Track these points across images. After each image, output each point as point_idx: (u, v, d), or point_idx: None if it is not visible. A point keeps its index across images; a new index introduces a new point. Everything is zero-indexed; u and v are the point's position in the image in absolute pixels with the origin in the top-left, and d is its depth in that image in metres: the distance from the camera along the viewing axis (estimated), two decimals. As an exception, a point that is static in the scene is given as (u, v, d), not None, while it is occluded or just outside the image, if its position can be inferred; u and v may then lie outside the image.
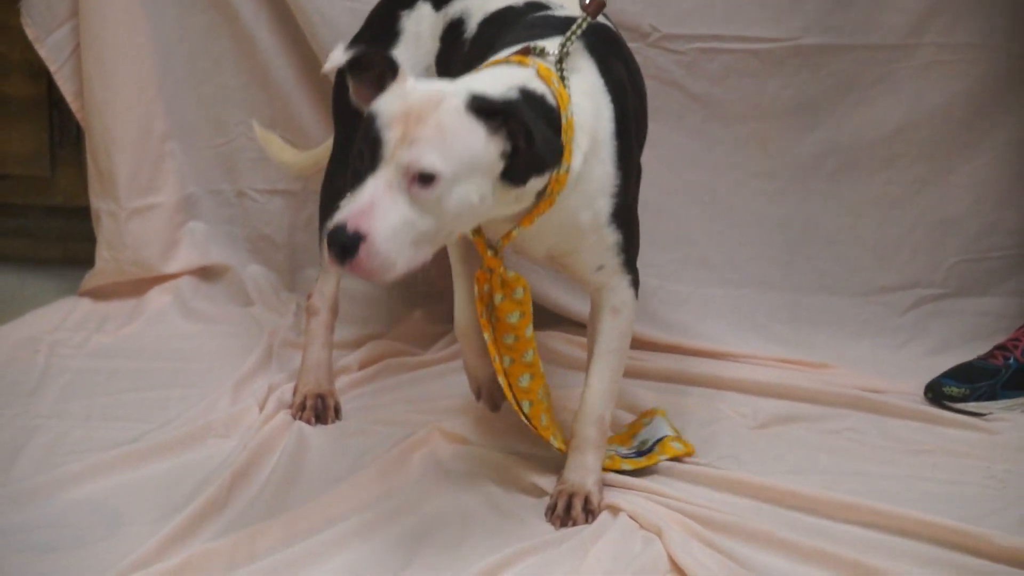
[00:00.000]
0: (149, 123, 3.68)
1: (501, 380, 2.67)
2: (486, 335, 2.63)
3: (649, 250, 3.47)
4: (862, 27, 3.42)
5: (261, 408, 3.07)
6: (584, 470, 2.70)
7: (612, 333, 2.69)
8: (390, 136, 2.30)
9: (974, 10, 3.38)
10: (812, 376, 3.34)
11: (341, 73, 3.13)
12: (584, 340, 3.13)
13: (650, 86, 3.40)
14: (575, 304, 3.45)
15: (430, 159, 2.28)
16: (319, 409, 3.05)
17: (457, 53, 2.88)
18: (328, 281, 3.15)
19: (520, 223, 2.49)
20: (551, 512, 2.66)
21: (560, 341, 3.43)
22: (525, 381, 2.66)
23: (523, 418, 2.70)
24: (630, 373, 3.25)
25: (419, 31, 2.98)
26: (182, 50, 3.69)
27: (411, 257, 2.30)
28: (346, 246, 2.24)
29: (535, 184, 2.43)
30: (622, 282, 2.67)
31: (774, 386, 3.25)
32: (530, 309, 2.61)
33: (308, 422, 3.03)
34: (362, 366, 3.34)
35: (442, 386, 3.23)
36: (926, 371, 3.29)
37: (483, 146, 2.33)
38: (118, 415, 3.06)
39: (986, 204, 3.51)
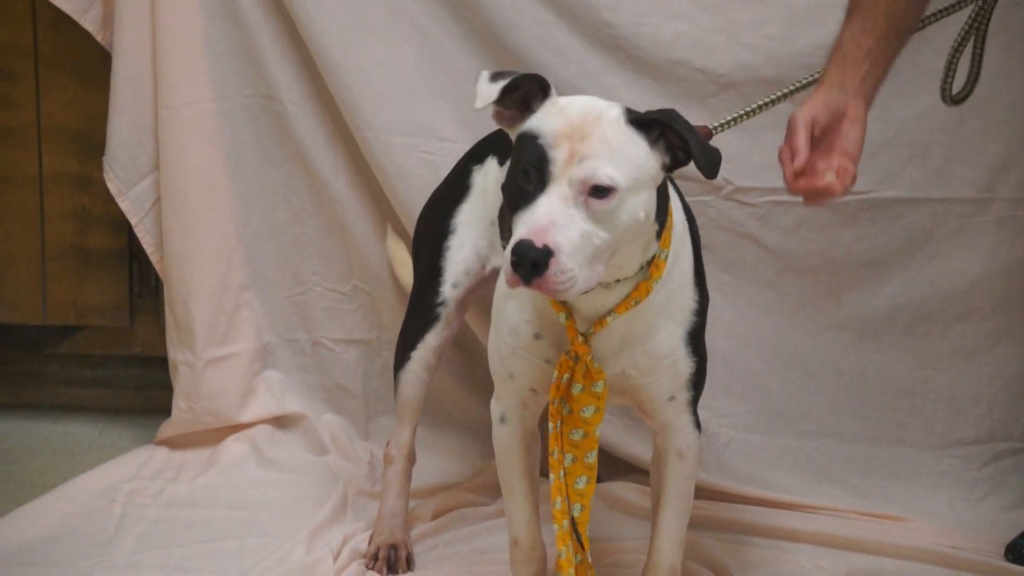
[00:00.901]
0: (227, 274, 3.72)
1: (553, 478, 2.56)
2: (551, 425, 2.54)
3: (724, 401, 3.50)
4: (936, 181, 3.43)
5: (335, 558, 3.06)
6: None
7: (679, 479, 2.66)
8: (557, 155, 2.30)
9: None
10: (891, 530, 3.29)
11: (423, 219, 3.18)
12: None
13: (724, 238, 3.44)
14: (647, 453, 3.44)
15: (607, 171, 2.28)
16: (391, 560, 3.04)
17: None
18: (404, 430, 3.16)
19: (616, 310, 2.46)
20: None
21: (631, 491, 3.40)
22: (582, 484, 2.57)
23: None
24: (705, 525, 3.24)
25: (486, 185, 3.04)
26: (261, 202, 3.74)
27: (589, 274, 2.28)
28: (536, 262, 2.23)
29: (653, 247, 2.44)
30: (688, 423, 2.64)
31: (853, 539, 3.21)
32: (604, 406, 2.54)
33: (380, 572, 3.02)
34: (435, 516, 3.32)
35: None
36: (1005, 526, 3.26)
37: (647, 157, 2.36)
38: (193, 566, 3.06)
39: (1064, 357, 3.49)
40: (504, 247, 2.35)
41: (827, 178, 2.52)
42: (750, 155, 3.45)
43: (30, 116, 3.94)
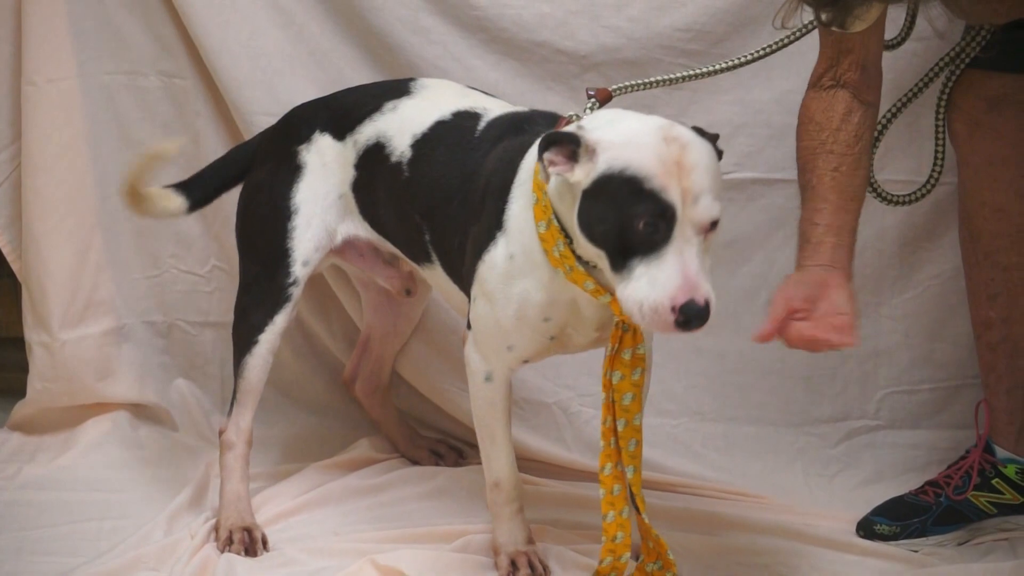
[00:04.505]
0: (85, 254, 3.67)
1: (603, 445, 2.68)
2: (604, 395, 2.67)
3: (585, 380, 3.52)
4: (793, 162, 3.44)
5: (193, 539, 3.03)
6: None
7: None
8: (674, 198, 2.38)
9: (902, 147, 3.43)
10: (748, 507, 3.34)
11: (251, 204, 3.18)
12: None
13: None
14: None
15: (718, 207, 2.42)
16: (247, 542, 3.02)
17: (390, 176, 2.97)
18: (245, 415, 3.13)
19: None
20: None
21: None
22: (633, 447, 2.70)
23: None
24: (565, 503, 3.27)
25: (324, 163, 3.07)
26: (120, 181, 3.69)
27: None
28: (702, 316, 2.36)
29: None
30: None
31: (710, 516, 3.25)
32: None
33: (238, 555, 2.99)
34: (295, 497, 3.30)
35: (372, 517, 3.20)
36: (859, 501, 3.32)
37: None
38: (49, 549, 3.02)
39: (917, 337, 3.54)
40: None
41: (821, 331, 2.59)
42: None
43: None
